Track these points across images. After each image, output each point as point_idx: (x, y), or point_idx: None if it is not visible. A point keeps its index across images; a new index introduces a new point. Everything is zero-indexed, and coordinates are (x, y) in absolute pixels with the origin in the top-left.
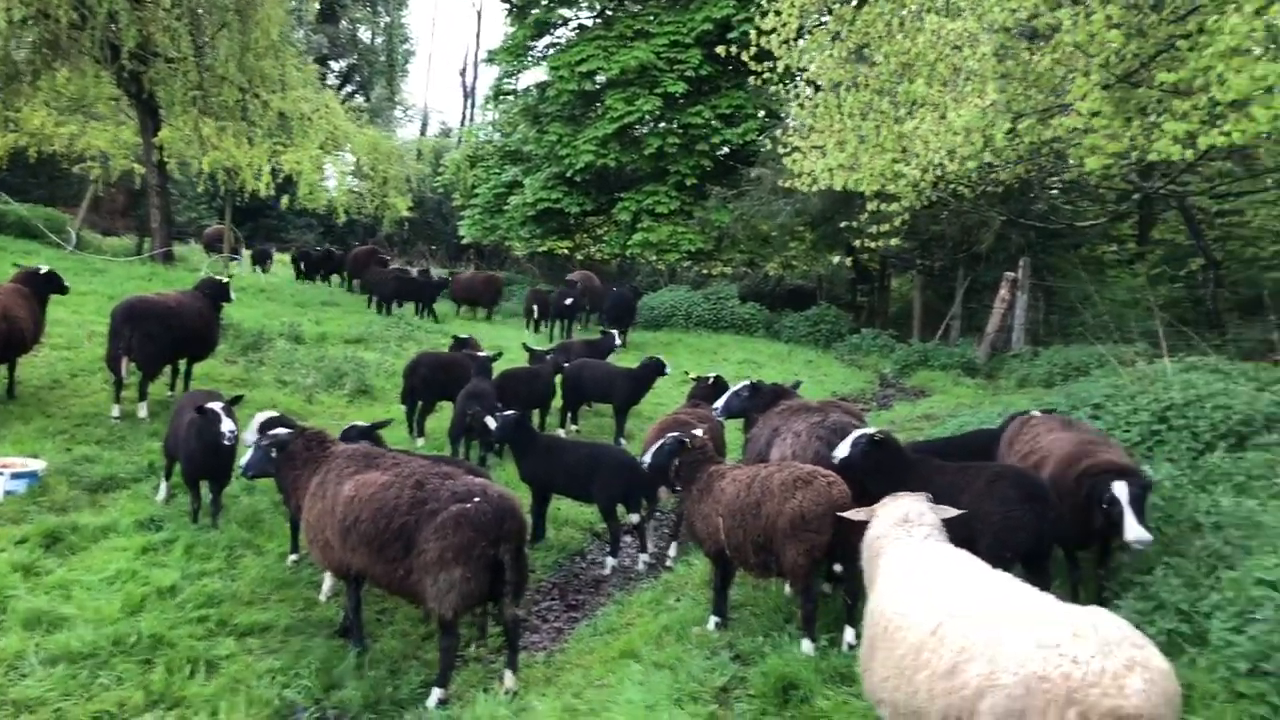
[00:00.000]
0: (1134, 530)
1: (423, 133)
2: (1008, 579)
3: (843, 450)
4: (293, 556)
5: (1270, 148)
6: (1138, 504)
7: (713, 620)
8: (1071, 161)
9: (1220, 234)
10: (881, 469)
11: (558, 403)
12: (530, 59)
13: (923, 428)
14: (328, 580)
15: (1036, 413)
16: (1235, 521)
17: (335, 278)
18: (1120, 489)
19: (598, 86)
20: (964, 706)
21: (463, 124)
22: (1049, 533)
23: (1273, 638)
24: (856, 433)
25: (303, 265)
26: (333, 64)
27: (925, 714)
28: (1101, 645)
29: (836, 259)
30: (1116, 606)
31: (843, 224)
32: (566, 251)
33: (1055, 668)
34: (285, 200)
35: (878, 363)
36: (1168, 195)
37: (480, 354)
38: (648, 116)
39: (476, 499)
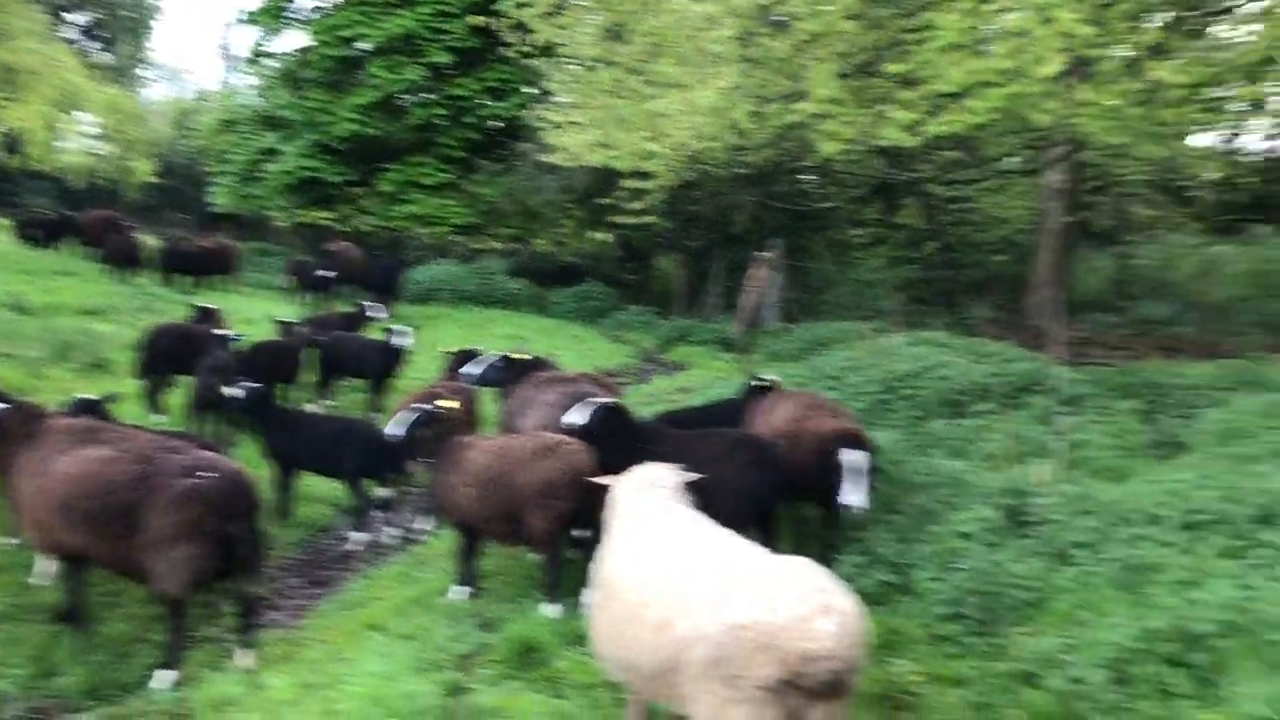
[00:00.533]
0: (851, 494)
1: (174, 95)
2: (725, 536)
3: (573, 417)
4: (12, 540)
5: (991, 140)
6: (863, 472)
7: (461, 590)
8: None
9: (953, 220)
10: (615, 436)
11: (311, 377)
12: (290, 20)
13: (679, 399)
14: (46, 563)
15: (770, 379)
16: (945, 481)
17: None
18: (849, 459)
19: (361, 53)
20: (674, 657)
21: (219, 87)
22: (780, 494)
23: (968, 584)
24: (590, 401)
25: (36, 231)
26: (71, 17)
27: (640, 666)
28: (797, 593)
29: (599, 235)
30: (839, 561)
31: (601, 200)
32: (331, 223)
33: (755, 616)
34: (15, 160)
35: (641, 338)
36: (908, 182)
37: (219, 332)
38: (413, 86)
39: (207, 473)
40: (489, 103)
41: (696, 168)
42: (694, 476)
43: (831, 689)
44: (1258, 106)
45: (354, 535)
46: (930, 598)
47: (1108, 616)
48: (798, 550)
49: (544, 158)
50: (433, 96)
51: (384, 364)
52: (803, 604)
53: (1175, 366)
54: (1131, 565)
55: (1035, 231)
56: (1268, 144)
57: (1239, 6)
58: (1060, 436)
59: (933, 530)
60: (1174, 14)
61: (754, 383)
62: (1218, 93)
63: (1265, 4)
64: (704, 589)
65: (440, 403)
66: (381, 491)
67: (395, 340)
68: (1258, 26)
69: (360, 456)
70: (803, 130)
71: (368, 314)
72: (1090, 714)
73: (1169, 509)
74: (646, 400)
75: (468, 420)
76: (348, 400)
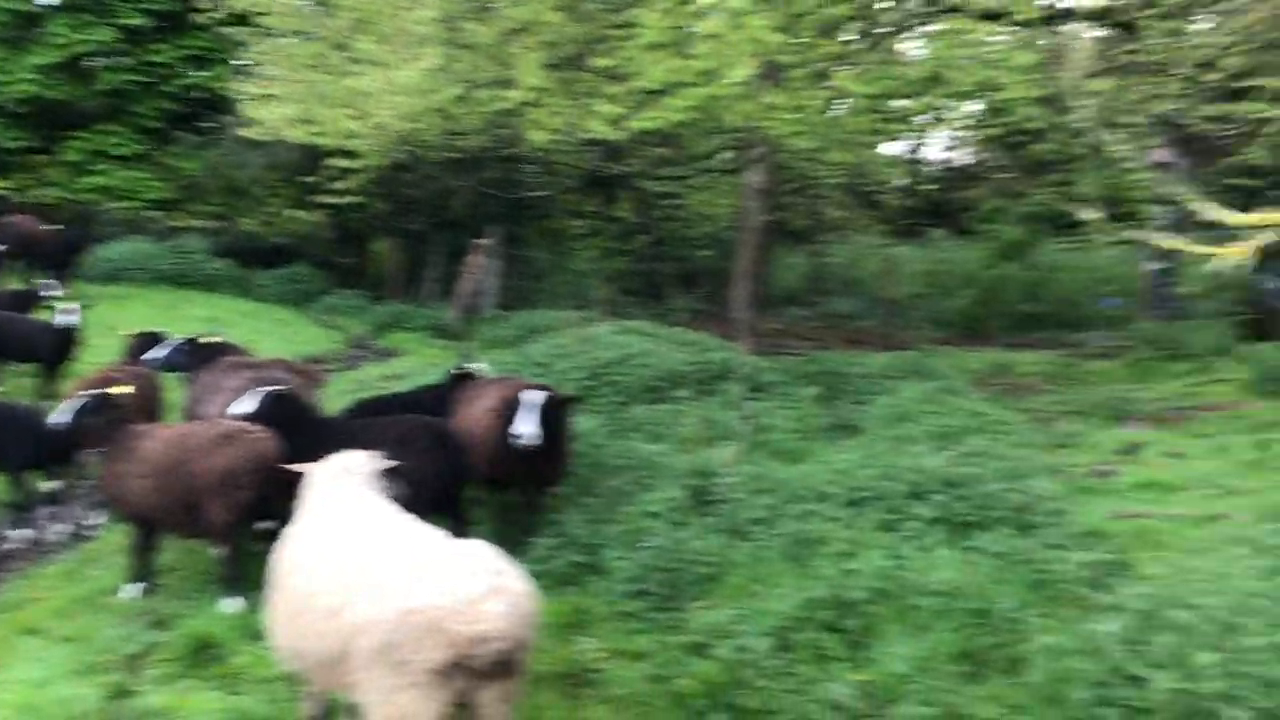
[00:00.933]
0: (521, 425)
1: None
2: (404, 522)
3: (242, 405)
4: None
5: (696, 138)
6: (538, 412)
7: (134, 587)
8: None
9: (664, 215)
10: (289, 425)
11: None
12: None
13: (387, 387)
14: None
15: (474, 367)
16: (640, 464)
17: None
18: (526, 396)
19: (41, 8)
20: (345, 645)
21: None
22: (462, 478)
23: (653, 562)
24: (260, 389)
25: None
26: None
27: (312, 655)
28: (467, 576)
29: (307, 216)
30: (534, 544)
31: (308, 179)
32: (7, 192)
33: (424, 600)
34: None
35: (352, 324)
36: (620, 176)
37: None
38: (102, 48)
39: None
40: (190, 71)
41: (406, 149)
42: (391, 464)
43: (501, 669)
44: (940, 120)
45: (14, 533)
46: (617, 576)
47: (776, 588)
48: (498, 535)
49: (242, 132)
50: (126, 61)
51: (55, 347)
52: (472, 586)
53: (857, 357)
54: (800, 539)
55: (738, 229)
56: (945, 155)
57: (919, 25)
58: (746, 420)
59: (624, 511)
60: (862, 29)
61: (456, 370)
62: (899, 105)
63: (937, 27)
64: (375, 575)
65: (113, 388)
66: (47, 484)
67: (60, 319)
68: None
69: (20, 446)
70: (514, 117)
71: (41, 293)
72: (754, 680)
73: (836, 486)
74: (354, 387)
75: (145, 407)
76: (16, 386)
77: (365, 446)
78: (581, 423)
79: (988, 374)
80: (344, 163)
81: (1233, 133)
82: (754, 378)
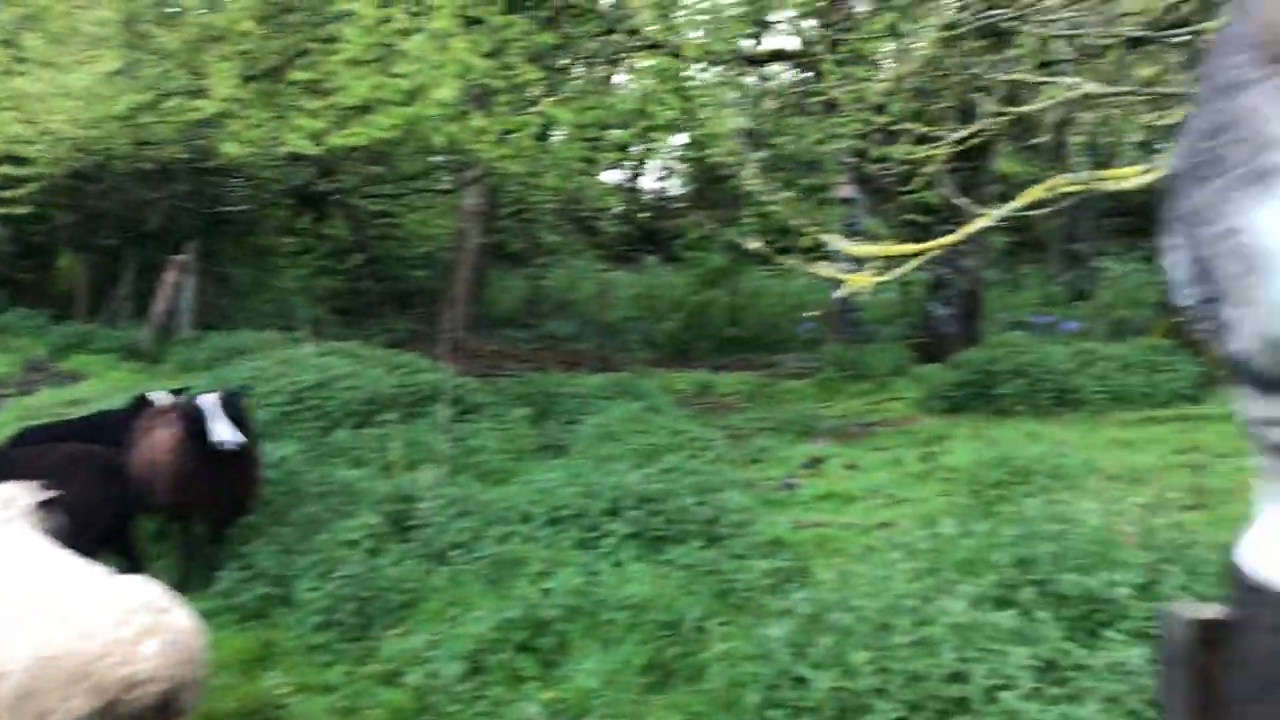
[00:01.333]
0: (219, 432)
1: None
2: (57, 558)
3: None
4: None
5: (407, 157)
6: (220, 411)
7: None
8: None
9: (379, 234)
10: None
11: None
12: None
13: (67, 413)
14: None
15: (156, 394)
16: (339, 490)
17: None
18: (205, 401)
19: None
20: None
21: None
22: (133, 509)
23: (344, 591)
24: None
25: None
26: None
27: None
28: (121, 615)
29: None
30: (220, 578)
31: None
32: None
33: (65, 645)
34: None
35: (31, 344)
36: (328, 192)
37: None
38: None
39: None
40: None
41: (87, 158)
42: (50, 495)
43: (160, 714)
44: (652, 150)
45: None
46: (308, 608)
47: (473, 611)
48: (179, 570)
49: None
50: None
51: None
52: (123, 627)
53: (570, 378)
54: (500, 561)
55: (455, 250)
56: (659, 185)
57: (631, 58)
58: (453, 442)
59: (319, 540)
60: (573, 58)
61: (139, 396)
62: (612, 134)
63: (648, 63)
64: (17, 620)
65: None
66: None
67: None
68: (644, 81)
69: None
70: (211, 129)
71: None
72: (445, 705)
73: (539, 506)
74: (27, 414)
75: None
76: None
77: (24, 477)
78: (280, 450)
79: (692, 394)
80: (12, 170)
81: (893, 173)
82: (465, 399)
